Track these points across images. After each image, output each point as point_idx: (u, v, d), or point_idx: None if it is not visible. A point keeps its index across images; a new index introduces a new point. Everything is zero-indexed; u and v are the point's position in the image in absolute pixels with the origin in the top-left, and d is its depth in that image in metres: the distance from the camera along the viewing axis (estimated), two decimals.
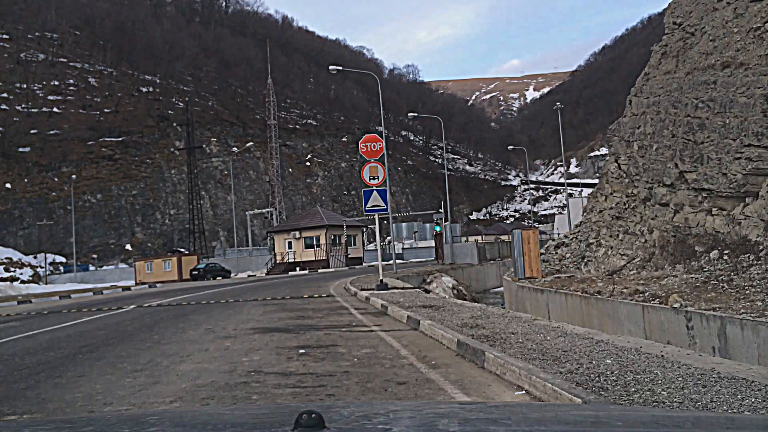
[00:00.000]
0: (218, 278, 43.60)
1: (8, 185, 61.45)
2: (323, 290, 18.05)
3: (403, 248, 53.05)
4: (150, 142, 77.16)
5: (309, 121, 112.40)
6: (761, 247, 11.29)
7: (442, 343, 6.85)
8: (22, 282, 45.44)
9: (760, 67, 12.80)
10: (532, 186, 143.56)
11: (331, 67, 34.00)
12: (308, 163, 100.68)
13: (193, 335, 8.92)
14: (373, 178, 14.59)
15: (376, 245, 25.63)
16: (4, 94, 71.51)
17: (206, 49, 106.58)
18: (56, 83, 78.28)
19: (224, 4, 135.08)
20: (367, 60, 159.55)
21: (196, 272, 45.11)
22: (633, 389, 3.91)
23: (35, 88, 74.97)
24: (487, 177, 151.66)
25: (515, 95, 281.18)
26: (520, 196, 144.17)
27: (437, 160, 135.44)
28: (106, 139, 73.28)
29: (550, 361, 4.94)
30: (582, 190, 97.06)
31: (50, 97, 75.81)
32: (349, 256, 51.31)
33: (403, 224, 65.67)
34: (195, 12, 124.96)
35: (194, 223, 65.82)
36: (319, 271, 43.77)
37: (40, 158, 65.89)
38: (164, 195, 74.12)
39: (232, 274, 47.23)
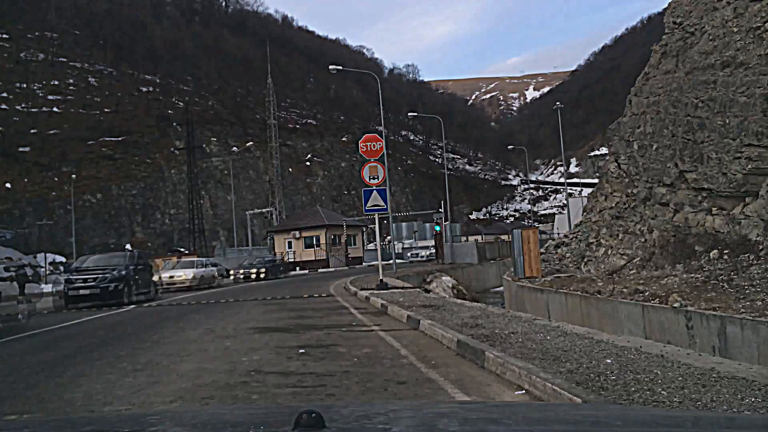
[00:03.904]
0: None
1: (8, 185, 61.44)
2: (323, 290, 18.05)
3: (402, 248, 53.03)
4: (150, 141, 77.17)
5: (309, 120, 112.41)
6: (761, 247, 11.29)
7: (442, 342, 6.85)
8: None
9: (760, 67, 12.80)
10: (532, 186, 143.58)
11: (331, 67, 34.00)
12: (308, 163, 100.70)
13: (193, 335, 8.92)
14: (373, 178, 14.59)
15: (376, 245, 25.60)
16: (4, 94, 71.52)
17: (206, 49, 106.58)
18: (56, 83, 78.30)
19: (224, 4, 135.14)
20: (367, 60, 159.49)
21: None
22: (633, 389, 3.91)
23: (35, 87, 74.99)
24: (487, 177, 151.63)
25: (515, 95, 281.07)
26: (520, 196, 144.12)
27: (437, 159, 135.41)
28: (106, 139, 73.28)
29: (550, 360, 4.94)
30: (582, 190, 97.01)
31: (50, 97, 75.82)
32: (349, 255, 51.29)
33: (403, 224, 65.65)
34: (195, 12, 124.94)
35: (194, 222, 65.77)
36: (319, 270, 43.76)
37: (40, 158, 65.89)
38: (164, 195, 74.13)
39: None
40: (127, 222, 68.77)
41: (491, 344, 5.89)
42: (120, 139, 74.30)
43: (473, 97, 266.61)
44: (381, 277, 15.79)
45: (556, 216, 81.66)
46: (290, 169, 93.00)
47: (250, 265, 31.10)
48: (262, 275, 29.64)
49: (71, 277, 17.06)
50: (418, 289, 16.26)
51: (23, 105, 71.57)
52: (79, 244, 56.44)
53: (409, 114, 75.21)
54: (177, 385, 5.33)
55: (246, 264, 31.92)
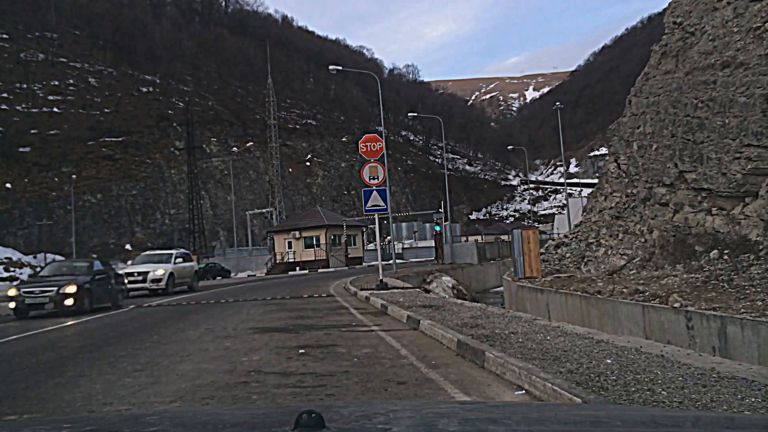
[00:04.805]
0: (218, 278, 43.62)
1: (8, 185, 61.45)
2: (323, 290, 18.05)
3: (403, 248, 53.05)
4: (150, 142, 77.18)
5: (309, 121, 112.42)
6: (761, 247, 11.30)
7: (442, 342, 6.85)
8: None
9: (759, 67, 12.80)
10: (531, 186, 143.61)
11: (331, 67, 34.05)
12: (308, 163, 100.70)
13: (193, 335, 8.92)
14: (373, 178, 14.59)
15: (376, 245, 25.38)
16: (4, 94, 71.52)
17: (206, 49, 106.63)
18: (56, 83, 78.29)
19: (224, 4, 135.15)
20: (367, 60, 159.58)
21: (195, 272, 45.05)
22: (633, 389, 3.91)
23: (35, 88, 75.00)
24: (487, 177, 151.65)
25: (515, 95, 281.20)
26: (520, 196, 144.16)
27: (437, 160, 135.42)
28: (106, 139, 73.29)
29: (550, 360, 4.94)
30: (582, 190, 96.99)
31: (50, 97, 75.83)
32: (349, 256, 51.30)
33: (403, 224, 65.67)
34: (195, 12, 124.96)
35: (194, 222, 65.81)
36: (319, 271, 43.77)
37: (40, 158, 65.90)
38: (164, 195, 74.14)
39: (231, 274, 47.25)
40: (127, 222, 68.79)
41: (491, 344, 5.89)
42: (120, 139, 74.32)
43: (473, 97, 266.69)
44: (381, 278, 15.80)
45: (556, 216, 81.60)
46: (290, 169, 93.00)
47: (45, 282, 14.59)
48: (67, 303, 13.83)
49: None
50: (418, 290, 16.26)
51: (23, 105, 71.58)
52: (79, 244, 56.51)
53: (409, 114, 75.24)
54: (177, 386, 5.33)
55: (41, 278, 15.34)
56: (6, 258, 52.28)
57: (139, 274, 20.01)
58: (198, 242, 64.94)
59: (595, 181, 38.55)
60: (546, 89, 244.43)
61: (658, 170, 16.43)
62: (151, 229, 70.97)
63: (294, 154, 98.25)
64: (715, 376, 4.16)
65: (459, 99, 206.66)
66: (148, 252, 23.58)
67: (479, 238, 72.35)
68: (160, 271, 20.09)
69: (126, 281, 18.33)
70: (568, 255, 21.32)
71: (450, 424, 1.28)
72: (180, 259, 21.56)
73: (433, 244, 43.14)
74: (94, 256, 19.61)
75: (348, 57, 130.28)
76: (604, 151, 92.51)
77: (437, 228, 38.91)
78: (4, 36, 79.49)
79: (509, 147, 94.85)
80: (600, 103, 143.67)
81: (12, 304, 14.19)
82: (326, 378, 5.30)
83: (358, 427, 1.27)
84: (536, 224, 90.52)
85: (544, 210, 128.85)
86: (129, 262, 22.24)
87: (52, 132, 69.94)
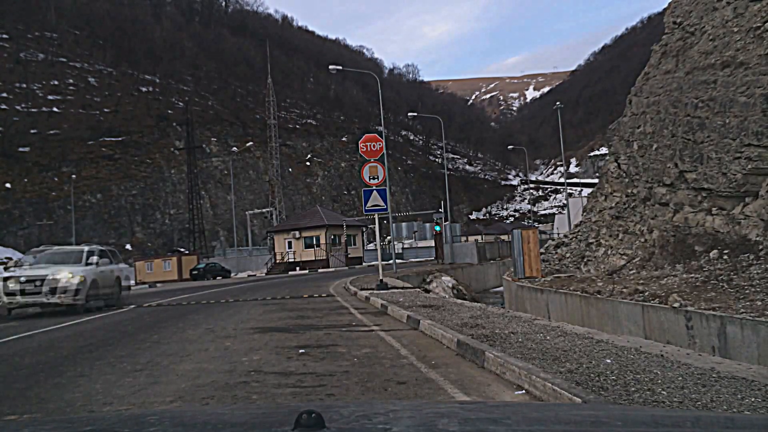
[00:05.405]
0: (218, 278, 43.64)
1: (8, 185, 61.46)
2: (323, 290, 18.04)
3: (402, 248, 53.05)
4: (150, 142, 77.23)
5: (309, 120, 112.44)
6: (761, 247, 11.30)
7: (442, 342, 6.85)
8: None
9: (760, 67, 12.80)
10: (531, 186, 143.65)
11: (330, 67, 34.09)
12: (308, 163, 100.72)
13: (193, 335, 8.91)
14: (373, 178, 14.59)
15: (376, 245, 25.29)
16: (4, 94, 71.54)
17: (206, 49, 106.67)
18: (56, 83, 78.33)
19: (224, 3, 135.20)
20: (366, 59, 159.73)
21: (196, 272, 45.19)
22: (633, 389, 3.91)
23: (35, 87, 75.03)
24: (486, 177, 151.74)
25: (515, 95, 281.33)
26: (520, 196, 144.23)
27: (437, 159, 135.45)
28: (106, 138, 73.34)
29: (549, 360, 4.94)
30: (582, 190, 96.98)
31: (50, 97, 75.86)
32: (349, 255, 51.31)
33: (403, 224, 65.63)
34: (195, 12, 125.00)
35: (194, 222, 65.82)
36: (319, 270, 43.77)
37: (40, 158, 65.93)
38: (164, 195, 74.16)
39: (231, 274, 47.26)
40: (127, 222, 68.83)
41: (491, 344, 5.89)
42: (120, 139, 74.37)
43: (473, 97, 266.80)
44: (381, 277, 15.79)
45: (556, 216, 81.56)
46: (290, 169, 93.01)
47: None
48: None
49: None
50: (418, 289, 16.24)
51: (23, 105, 71.62)
52: (79, 244, 56.47)
53: (409, 114, 75.20)
54: (177, 385, 5.33)
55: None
56: (6, 258, 52.26)
57: (32, 280, 12.98)
58: (198, 242, 64.96)
59: (595, 181, 38.54)
60: (546, 89, 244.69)
61: (658, 170, 16.43)
62: (151, 229, 71.01)
63: (294, 154, 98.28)
64: (715, 376, 4.16)
65: (459, 99, 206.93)
66: (49, 250, 15.29)
67: (479, 238, 72.33)
68: (73, 277, 13.26)
69: (16, 290, 12.96)
70: (568, 255, 21.32)
71: (450, 424, 1.28)
72: (106, 260, 14.84)
73: (433, 244, 43.12)
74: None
75: (348, 57, 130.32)
76: (604, 150, 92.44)
77: (437, 228, 38.89)
78: (4, 36, 79.50)
79: (509, 147, 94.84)
80: (600, 103, 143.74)
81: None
82: (326, 378, 5.29)
83: (358, 427, 1.27)
84: (536, 224, 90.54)
85: (544, 210, 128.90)
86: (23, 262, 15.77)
87: (51, 132, 69.97)
